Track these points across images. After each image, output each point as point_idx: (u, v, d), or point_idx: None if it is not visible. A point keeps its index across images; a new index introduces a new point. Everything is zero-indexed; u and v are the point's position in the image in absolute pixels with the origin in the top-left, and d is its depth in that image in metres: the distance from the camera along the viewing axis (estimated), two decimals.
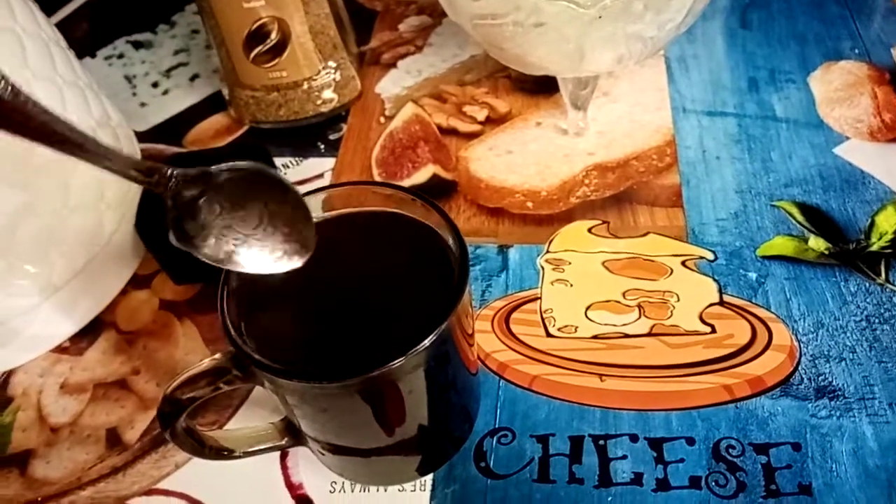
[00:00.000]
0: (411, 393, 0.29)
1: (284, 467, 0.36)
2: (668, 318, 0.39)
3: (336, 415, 0.30)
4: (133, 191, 0.45)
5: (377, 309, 0.31)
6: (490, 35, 0.42)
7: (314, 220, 0.33)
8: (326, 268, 0.31)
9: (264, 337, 0.29)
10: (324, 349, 0.30)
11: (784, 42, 0.53)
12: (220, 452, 0.33)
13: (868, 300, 0.39)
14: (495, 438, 0.36)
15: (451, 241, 0.31)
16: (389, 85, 0.55)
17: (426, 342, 0.26)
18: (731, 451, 0.34)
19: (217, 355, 0.29)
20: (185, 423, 0.30)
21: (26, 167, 0.38)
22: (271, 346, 0.29)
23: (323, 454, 0.34)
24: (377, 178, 0.48)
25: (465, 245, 0.29)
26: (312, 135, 0.52)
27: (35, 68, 0.38)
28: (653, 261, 0.42)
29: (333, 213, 0.34)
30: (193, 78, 0.58)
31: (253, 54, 0.48)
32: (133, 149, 0.47)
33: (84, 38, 0.63)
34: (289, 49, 0.48)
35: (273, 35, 0.47)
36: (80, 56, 0.59)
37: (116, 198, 0.43)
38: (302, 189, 0.32)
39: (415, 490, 0.35)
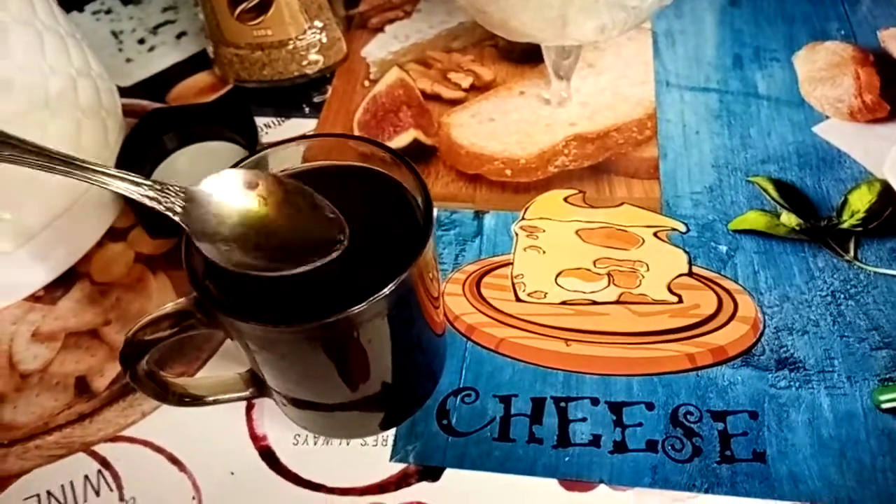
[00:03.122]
0: (370, 343, 0.30)
1: (249, 419, 0.37)
2: (637, 286, 0.40)
3: (296, 363, 0.30)
4: (112, 141, 0.45)
5: (345, 263, 0.31)
6: None
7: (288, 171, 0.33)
8: None
9: (231, 286, 0.30)
10: (290, 299, 0.30)
11: (772, 20, 0.53)
12: (182, 399, 0.33)
13: (835, 276, 0.39)
14: (459, 397, 0.36)
15: (419, 200, 0.31)
16: (375, 49, 0.55)
17: (385, 291, 0.27)
18: (688, 417, 0.35)
19: (181, 300, 0.29)
20: (146, 366, 0.30)
21: (2, 113, 0.38)
22: (238, 295, 0.29)
23: (286, 406, 0.34)
24: None
25: (430, 200, 0.29)
26: (297, 96, 0.52)
27: (14, 11, 0.38)
28: (625, 231, 0.42)
29: (307, 165, 0.34)
30: (180, 35, 0.58)
31: (237, 11, 0.48)
32: (114, 102, 0.47)
33: None
34: (274, 7, 0.48)
35: None
36: (67, 10, 0.59)
37: (94, 148, 0.43)
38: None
39: (376, 445, 0.35)
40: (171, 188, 0.28)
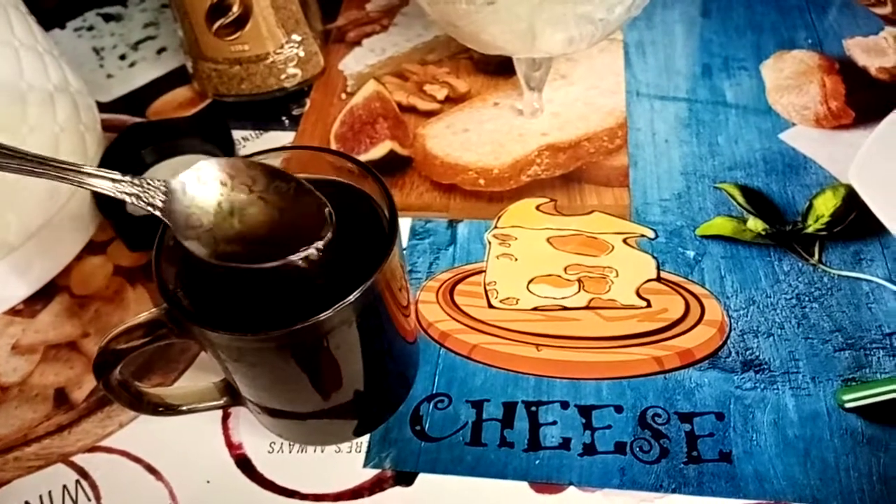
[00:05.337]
0: (340, 350, 0.30)
1: (225, 428, 0.37)
2: (606, 292, 0.40)
3: (267, 372, 0.31)
4: (91, 155, 0.46)
5: (313, 273, 0.31)
6: (445, 13, 0.43)
7: None
8: None
9: (202, 296, 0.30)
10: (259, 309, 0.30)
11: (740, 31, 0.54)
12: (157, 408, 0.34)
13: (800, 279, 0.40)
14: (432, 403, 0.37)
15: (386, 210, 0.31)
16: (353, 62, 0.55)
17: (350, 298, 0.27)
18: (656, 419, 0.36)
19: (153, 310, 0.30)
20: (120, 375, 0.31)
21: None
22: (208, 306, 0.30)
23: (260, 414, 0.35)
24: None
25: (395, 209, 0.30)
26: (276, 109, 0.53)
27: None
28: (595, 238, 0.43)
29: None
30: (161, 51, 0.59)
31: (215, 27, 0.49)
32: (93, 117, 0.47)
33: (54, 9, 0.63)
34: (251, 22, 0.49)
35: (235, 8, 0.48)
36: (49, 27, 0.60)
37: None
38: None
39: (350, 451, 0.36)
40: (150, 182, 0.28)
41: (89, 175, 0.27)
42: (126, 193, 0.28)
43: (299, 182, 0.30)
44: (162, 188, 0.28)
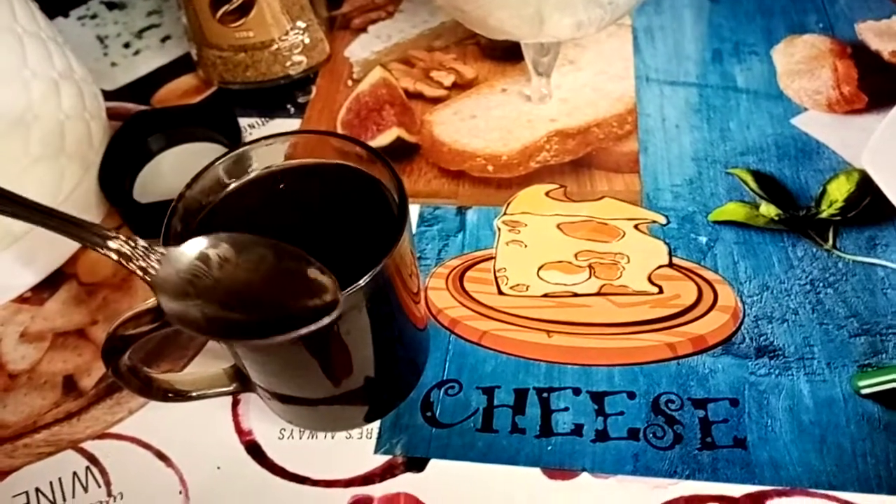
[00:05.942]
0: (350, 336, 0.30)
1: (235, 414, 0.37)
2: (618, 278, 0.40)
3: (277, 357, 0.30)
4: (97, 143, 0.45)
5: (323, 260, 0.31)
6: None
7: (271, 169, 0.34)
8: (274, 217, 0.32)
9: None
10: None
11: (750, 15, 0.54)
12: (167, 394, 0.33)
13: (814, 265, 0.40)
14: (443, 390, 0.37)
15: (396, 195, 0.31)
16: (359, 49, 0.55)
17: (360, 282, 0.27)
18: (670, 405, 0.35)
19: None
20: (129, 361, 0.30)
21: None
22: None
23: (270, 400, 0.35)
24: None
25: (404, 194, 0.30)
26: (282, 97, 0.53)
27: None
28: (606, 224, 0.42)
29: (287, 163, 0.34)
30: (165, 39, 0.58)
31: (219, 13, 0.48)
32: (98, 105, 0.47)
33: None
34: (255, 9, 0.48)
35: None
36: (52, 15, 0.60)
37: (78, 151, 0.44)
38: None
39: (361, 437, 0.36)
40: (146, 248, 0.27)
41: (88, 231, 0.27)
42: (116, 252, 0.27)
43: (309, 261, 0.27)
44: (158, 255, 0.27)
